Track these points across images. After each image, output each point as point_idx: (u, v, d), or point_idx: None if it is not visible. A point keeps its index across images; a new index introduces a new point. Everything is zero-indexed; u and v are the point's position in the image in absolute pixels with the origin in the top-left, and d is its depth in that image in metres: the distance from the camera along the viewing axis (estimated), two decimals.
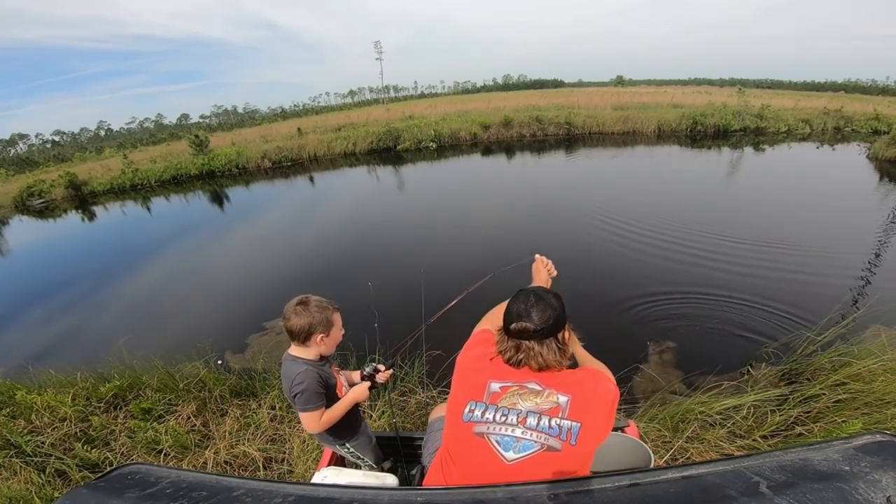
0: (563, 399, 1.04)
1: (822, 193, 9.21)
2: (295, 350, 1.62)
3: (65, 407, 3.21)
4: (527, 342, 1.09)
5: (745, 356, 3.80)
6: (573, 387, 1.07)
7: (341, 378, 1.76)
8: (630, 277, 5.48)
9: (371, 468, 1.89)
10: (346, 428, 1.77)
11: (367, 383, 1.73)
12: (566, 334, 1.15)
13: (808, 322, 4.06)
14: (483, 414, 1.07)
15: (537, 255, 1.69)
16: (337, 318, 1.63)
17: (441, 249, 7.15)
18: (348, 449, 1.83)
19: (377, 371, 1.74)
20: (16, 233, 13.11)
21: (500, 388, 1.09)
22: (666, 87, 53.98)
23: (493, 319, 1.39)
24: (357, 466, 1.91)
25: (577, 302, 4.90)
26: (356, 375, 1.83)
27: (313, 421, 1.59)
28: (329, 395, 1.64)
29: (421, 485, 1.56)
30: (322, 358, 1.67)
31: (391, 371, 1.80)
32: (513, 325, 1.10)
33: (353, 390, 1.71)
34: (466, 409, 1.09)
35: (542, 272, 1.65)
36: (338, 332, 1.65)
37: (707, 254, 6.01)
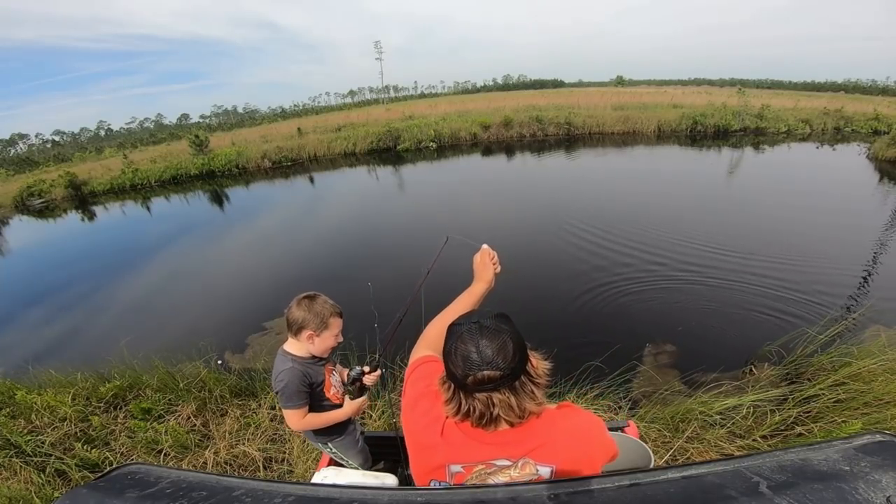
0: (544, 470, 0.85)
1: (821, 194, 9.22)
2: (288, 344, 1.64)
3: (65, 407, 3.20)
4: (496, 394, 0.83)
5: (745, 356, 3.80)
6: (557, 451, 0.85)
7: (332, 378, 1.75)
8: (629, 277, 5.48)
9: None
10: (330, 427, 1.76)
11: (363, 400, 1.73)
12: (534, 361, 0.89)
13: (808, 322, 4.06)
14: None
15: (484, 245, 1.37)
16: (335, 323, 1.62)
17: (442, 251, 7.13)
18: (330, 448, 1.83)
19: (363, 374, 1.72)
20: (16, 233, 13.11)
21: (463, 468, 0.88)
22: (666, 87, 54.01)
23: (432, 340, 1.11)
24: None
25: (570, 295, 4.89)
26: (345, 374, 1.83)
27: (294, 419, 1.62)
28: (313, 394, 1.65)
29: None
30: (314, 357, 1.67)
31: (379, 372, 1.76)
32: (469, 379, 0.82)
33: (350, 406, 1.72)
34: (431, 485, 0.92)
35: (488, 267, 1.33)
36: (331, 337, 1.64)
37: (705, 253, 6.01)
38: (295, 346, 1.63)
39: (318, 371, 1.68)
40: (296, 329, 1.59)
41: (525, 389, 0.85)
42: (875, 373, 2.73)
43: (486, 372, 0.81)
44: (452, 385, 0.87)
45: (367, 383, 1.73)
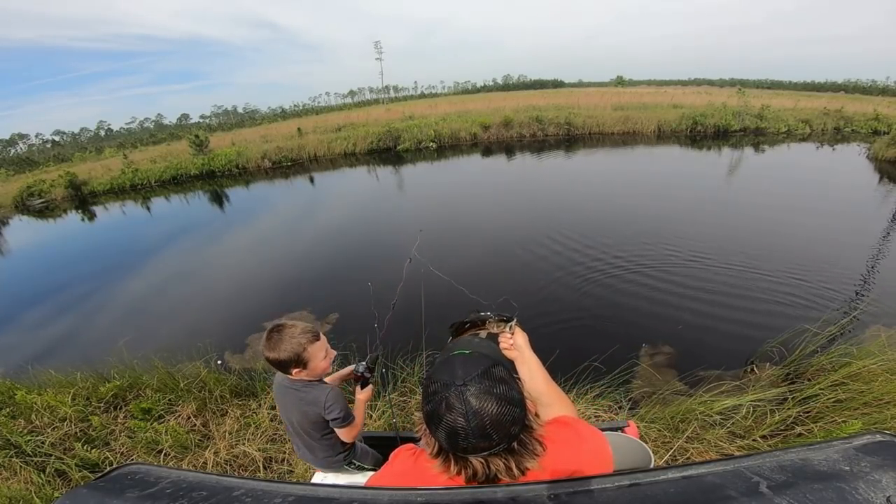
0: None
1: (822, 194, 9.23)
2: (298, 374, 1.54)
3: (65, 407, 3.20)
4: (494, 459, 0.74)
5: (746, 355, 3.80)
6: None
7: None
8: (628, 277, 5.48)
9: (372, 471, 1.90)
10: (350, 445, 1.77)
11: (370, 388, 1.73)
12: (531, 406, 0.80)
13: (808, 321, 4.06)
14: None
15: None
16: (314, 351, 1.49)
17: (441, 252, 7.15)
18: (355, 465, 1.83)
19: (368, 369, 1.72)
20: (16, 233, 13.11)
21: None
22: (666, 87, 53.95)
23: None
24: None
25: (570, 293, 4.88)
26: (345, 372, 1.82)
27: (353, 431, 1.62)
28: None
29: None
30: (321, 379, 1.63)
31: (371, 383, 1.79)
32: (460, 445, 0.73)
33: (363, 395, 1.72)
34: None
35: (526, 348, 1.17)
36: (320, 363, 1.53)
37: (706, 253, 6.01)
38: (304, 374, 1.53)
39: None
40: (281, 369, 1.49)
41: (525, 447, 0.75)
42: (875, 373, 2.73)
43: (480, 443, 0.71)
44: (438, 444, 0.76)
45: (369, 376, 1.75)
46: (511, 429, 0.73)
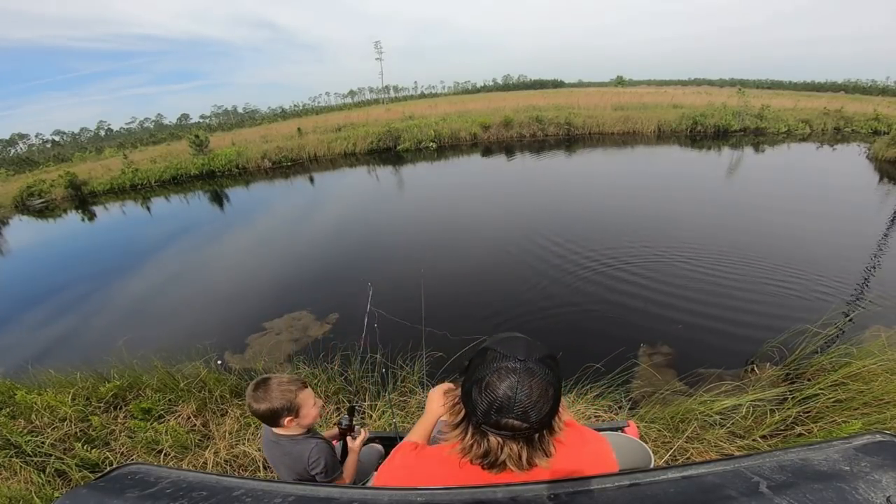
0: None
1: (822, 195, 9.23)
2: (281, 430, 1.53)
3: (65, 407, 3.20)
4: (511, 443, 0.76)
5: (746, 356, 3.80)
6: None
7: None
8: (628, 276, 5.48)
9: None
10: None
11: (362, 434, 1.75)
12: (561, 411, 0.81)
13: (808, 322, 4.06)
14: None
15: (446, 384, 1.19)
16: (305, 398, 1.50)
17: (440, 252, 7.16)
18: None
19: (352, 422, 1.74)
20: (16, 233, 13.11)
21: None
22: (666, 87, 53.87)
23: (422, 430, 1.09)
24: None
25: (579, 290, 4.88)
26: (333, 431, 1.81)
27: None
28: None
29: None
30: (310, 430, 1.60)
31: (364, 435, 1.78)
32: (493, 418, 0.74)
33: (356, 448, 1.72)
34: None
35: (436, 403, 1.13)
36: (311, 410, 1.52)
37: (706, 253, 6.01)
38: (288, 430, 1.51)
39: (325, 437, 1.66)
40: (271, 420, 1.49)
41: (542, 443, 0.78)
42: (875, 373, 2.73)
43: (513, 421, 0.73)
44: (464, 412, 0.79)
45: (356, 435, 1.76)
46: (544, 418, 0.75)
